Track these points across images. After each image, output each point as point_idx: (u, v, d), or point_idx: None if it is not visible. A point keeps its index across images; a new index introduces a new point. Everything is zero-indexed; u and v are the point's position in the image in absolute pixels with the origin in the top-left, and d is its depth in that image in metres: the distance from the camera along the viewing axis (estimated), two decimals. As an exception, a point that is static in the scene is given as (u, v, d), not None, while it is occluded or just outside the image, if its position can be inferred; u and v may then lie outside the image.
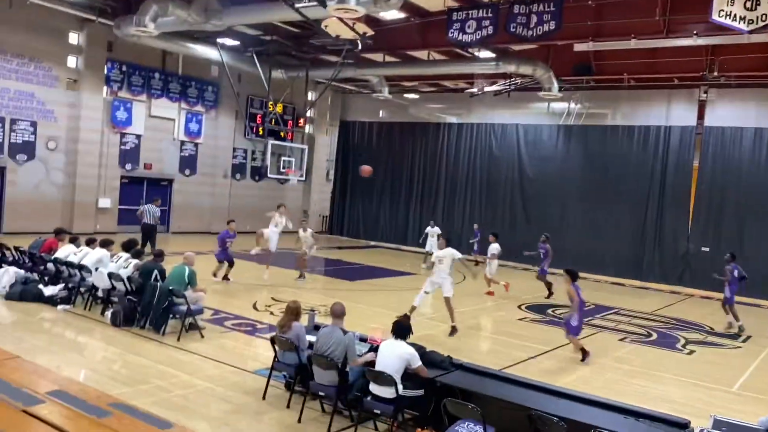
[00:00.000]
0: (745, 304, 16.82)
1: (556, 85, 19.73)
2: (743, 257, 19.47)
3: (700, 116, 20.72)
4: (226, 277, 14.89)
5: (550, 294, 16.58)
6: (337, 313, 7.22)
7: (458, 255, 11.46)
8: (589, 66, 20.36)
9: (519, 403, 6.16)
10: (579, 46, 17.77)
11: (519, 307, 15.18)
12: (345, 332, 6.99)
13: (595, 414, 6.09)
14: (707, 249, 20.41)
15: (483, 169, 25.48)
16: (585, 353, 10.46)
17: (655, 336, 13.22)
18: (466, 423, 5.92)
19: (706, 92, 20.28)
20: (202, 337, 9.90)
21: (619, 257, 21.90)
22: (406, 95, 27.18)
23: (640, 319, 15.00)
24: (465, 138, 26.11)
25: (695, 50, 17.82)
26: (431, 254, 17.83)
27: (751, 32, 13.39)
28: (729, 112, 20.32)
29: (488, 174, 25.31)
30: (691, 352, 12.07)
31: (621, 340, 12.59)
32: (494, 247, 16.40)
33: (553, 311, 14.95)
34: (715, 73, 18.59)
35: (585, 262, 22.06)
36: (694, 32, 15.79)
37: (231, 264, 14.86)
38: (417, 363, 6.65)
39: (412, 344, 6.94)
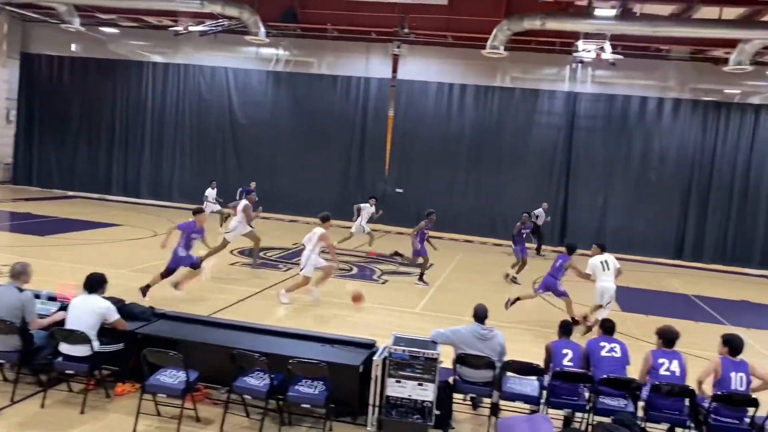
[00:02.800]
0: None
1: (263, 30, 19.69)
2: (429, 196, 22.38)
3: (394, 70, 22.67)
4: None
5: None
6: (14, 272, 6.43)
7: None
8: (295, 14, 20.74)
9: (221, 344, 6.29)
10: (284, -7, 17.94)
11: (231, 252, 15.24)
12: (21, 290, 6.30)
13: (296, 345, 6.52)
14: (401, 190, 22.78)
15: (192, 114, 24.54)
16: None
17: (355, 270, 14.47)
18: (168, 371, 5.86)
19: (398, 47, 22.17)
20: None
21: (326, 200, 23.16)
22: (102, 29, 24.58)
23: (343, 255, 16.20)
24: (172, 80, 24.75)
25: (389, 6, 19.31)
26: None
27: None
28: (417, 67, 22.61)
29: (198, 119, 24.49)
30: (385, 282, 13.53)
31: (326, 276, 13.50)
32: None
33: (264, 254, 15.34)
34: (406, 30, 20.39)
35: (295, 207, 23.06)
36: (387, -12, 17.06)
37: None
38: (114, 316, 6.31)
39: (109, 298, 6.57)
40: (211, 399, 6.48)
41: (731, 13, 16.42)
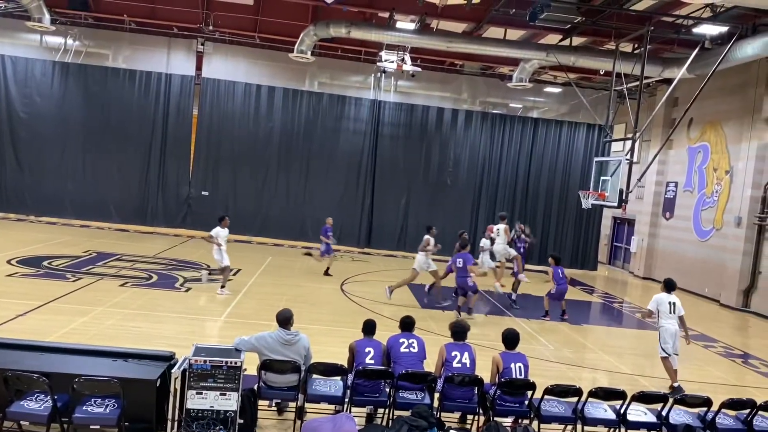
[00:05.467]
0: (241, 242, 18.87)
1: (48, 17, 17.87)
2: (237, 199, 21.95)
3: (198, 67, 21.79)
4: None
5: None
6: None
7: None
8: (87, 1, 19.09)
9: (-8, 367, 5.56)
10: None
11: (9, 261, 13.60)
12: None
13: (83, 362, 5.97)
14: (207, 193, 21.96)
15: (-42, 105, 21.47)
16: None
17: (155, 278, 13.66)
18: None
19: (203, 44, 21.37)
20: None
21: (124, 203, 21.69)
22: None
23: (142, 263, 15.24)
24: (-69, 65, 21.44)
25: (192, 2, 18.56)
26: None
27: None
28: (223, 66, 21.91)
29: (-33, 111, 21.48)
30: (189, 289, 12.93)
31: (122, 285, 12.59)
32: None
33: (49, 263, 13.91)
34: (211, 27, 19.75)
35: (90, 210, 21.25)
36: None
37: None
38: None
39: None
40: (-20, 430, 5.71)
41: (515, 34, 18.24)
